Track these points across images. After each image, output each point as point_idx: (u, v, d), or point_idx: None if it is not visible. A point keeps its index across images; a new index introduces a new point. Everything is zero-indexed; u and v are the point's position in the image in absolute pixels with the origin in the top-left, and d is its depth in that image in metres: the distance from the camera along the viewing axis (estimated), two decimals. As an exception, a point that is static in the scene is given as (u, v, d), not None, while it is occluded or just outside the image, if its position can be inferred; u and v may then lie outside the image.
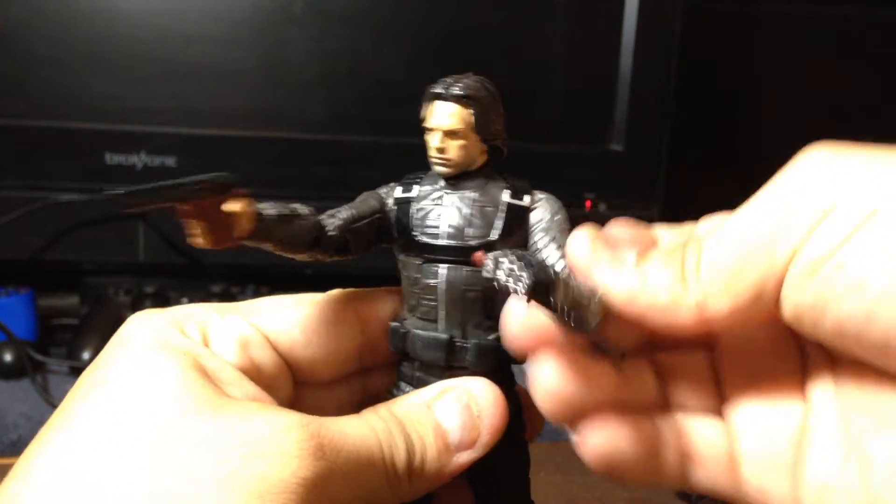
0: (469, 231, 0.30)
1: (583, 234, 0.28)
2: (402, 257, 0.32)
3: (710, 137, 1.06)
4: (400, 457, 0.28)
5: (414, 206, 0.31)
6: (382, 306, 0.33)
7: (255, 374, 0.30)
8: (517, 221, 0.31)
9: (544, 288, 0.25)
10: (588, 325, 0.26)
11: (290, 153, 0.83)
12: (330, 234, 0.30)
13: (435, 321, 0.31)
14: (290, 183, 0.83)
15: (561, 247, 0.30)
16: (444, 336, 0.31)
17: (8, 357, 0.74)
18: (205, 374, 0.27)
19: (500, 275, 0.25)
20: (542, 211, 0.31)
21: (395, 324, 0.32)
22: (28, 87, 0.79)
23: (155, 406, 0.25)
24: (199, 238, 0.26)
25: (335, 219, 0.31)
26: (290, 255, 0.30)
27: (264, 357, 0.31)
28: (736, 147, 1.08)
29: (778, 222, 0.24)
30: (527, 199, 0.31)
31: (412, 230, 0.31)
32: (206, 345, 0.29)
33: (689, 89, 0.90)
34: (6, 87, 0.79)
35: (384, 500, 0.28)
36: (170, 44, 0.80)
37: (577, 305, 0.26)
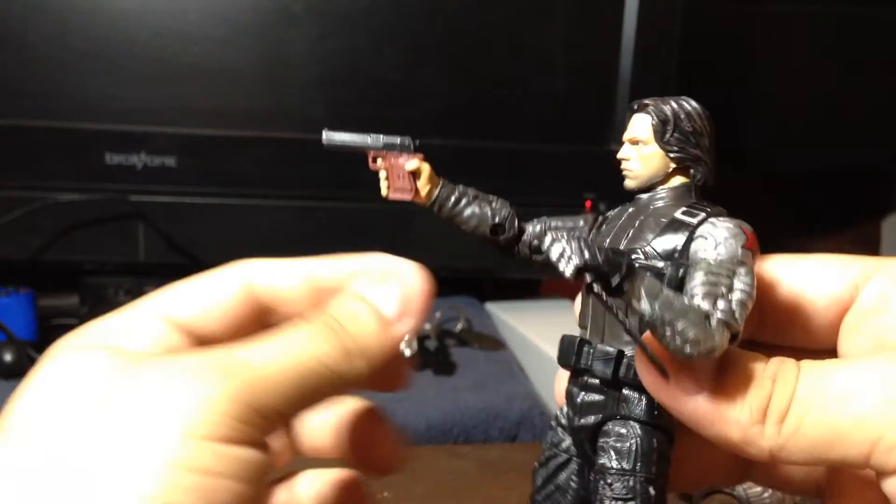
0: (624, 242, 0.29)
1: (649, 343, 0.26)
2: None
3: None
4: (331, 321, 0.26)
5: (604, 222, 0.31)
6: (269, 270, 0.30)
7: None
8: (677, 238, 0.28)
9: (599, 277, 0.24)
10: (676, 349, 0.24)
11: (290, 153, 0.83)
12: (523, 231, 0.32)
13: (585, 328, 0.30)
14: (290, 183, 0.83)
15: (707, 291, 0.26)
16: (576, 337, 0.30)
17: (8, 357, 0.74)
18: (126, 352, 0.26)
19: (553, 252, 0.24)
20: (703, 240, 0.27)
21: None
22: (28, 87, 0.79)
23: (76, 379, 0.24)
24: (383, 189, 0.31)
25: (538, 223, 0.32)
26: (478, 235, 0.32)
27: (177, 342, 0.28)
28: (736, 147, 1.08)
29: (886, 415, 0.24)
30: (695, 219, 0.28)
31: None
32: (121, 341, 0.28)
33: (690, 89, 0.90)
34: (6, 87, 0.79)
35: (338, 377, 0.25)
36: (170, 44, 0.80)
37: (662, 324, 0.24)
